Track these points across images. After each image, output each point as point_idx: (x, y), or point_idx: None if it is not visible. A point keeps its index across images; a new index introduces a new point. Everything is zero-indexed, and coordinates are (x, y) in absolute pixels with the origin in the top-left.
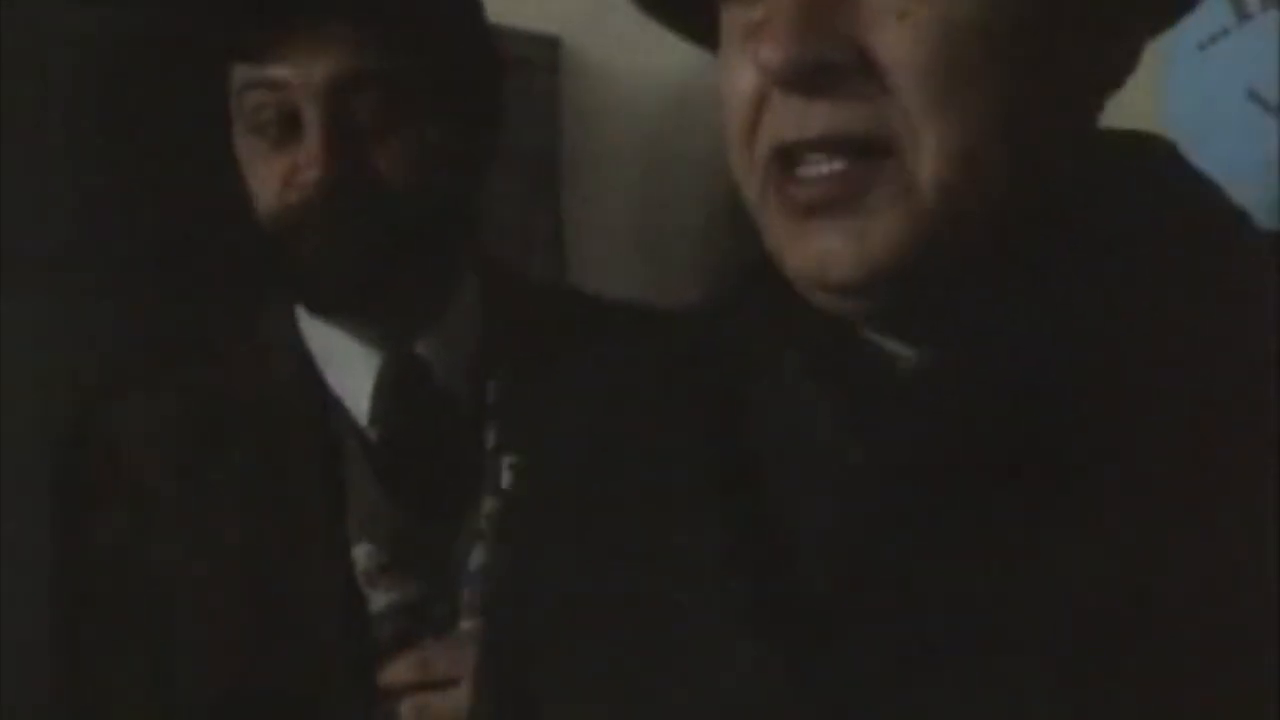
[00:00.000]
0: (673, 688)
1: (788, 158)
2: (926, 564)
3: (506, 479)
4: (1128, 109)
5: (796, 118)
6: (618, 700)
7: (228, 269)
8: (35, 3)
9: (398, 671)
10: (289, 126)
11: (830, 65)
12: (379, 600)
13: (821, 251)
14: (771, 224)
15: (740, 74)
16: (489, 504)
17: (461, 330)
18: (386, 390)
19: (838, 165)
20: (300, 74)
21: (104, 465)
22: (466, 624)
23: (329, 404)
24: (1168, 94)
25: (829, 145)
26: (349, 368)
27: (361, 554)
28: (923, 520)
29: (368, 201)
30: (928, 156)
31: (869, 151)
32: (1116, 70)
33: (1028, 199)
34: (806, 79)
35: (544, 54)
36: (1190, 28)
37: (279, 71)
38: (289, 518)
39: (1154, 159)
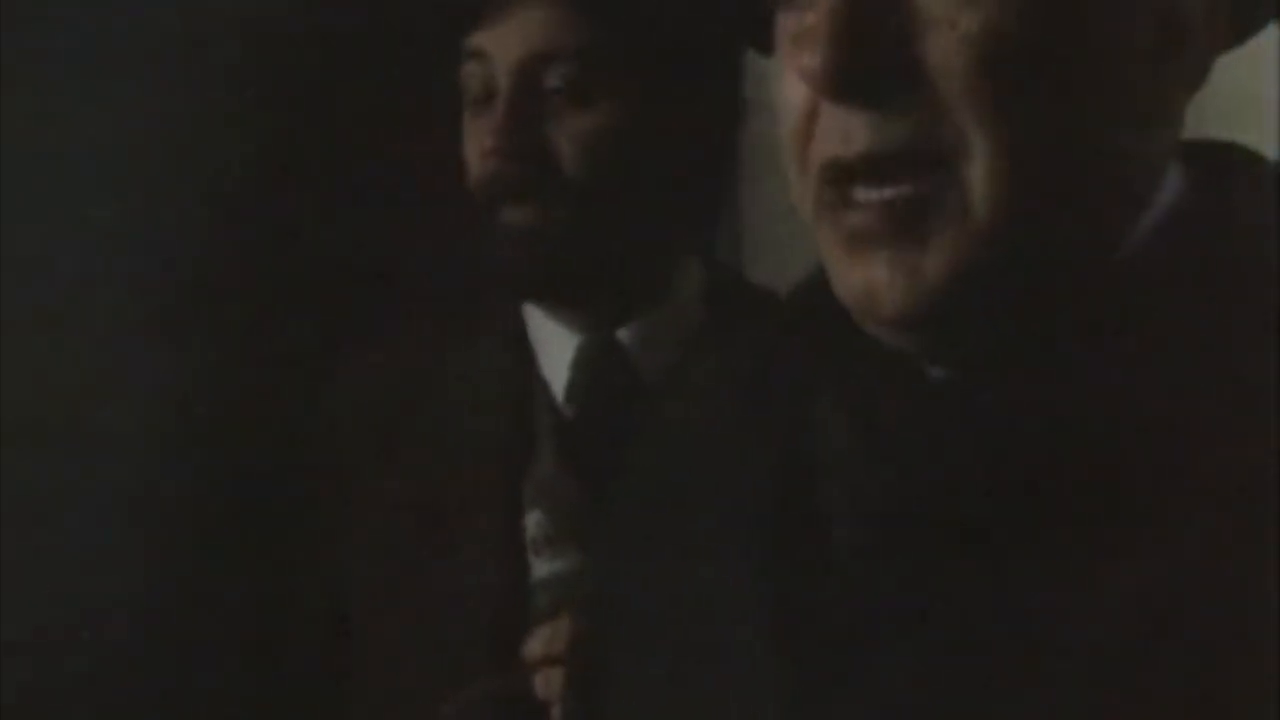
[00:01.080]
0: (705, 698)
1: (839, 179)
2: (954, 588)
3: None
4: None
5: (843, 131)
6: (662, 705)
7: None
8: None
9: (530, 645)
10: (489, 95)
11: (876, 75)
12: (541, 569)
13: (870, 282)
14: (824, 245)
15: (791, 84)
16: None
17: (674, 321)
18: (581, 372)
19: (888, 192)
20: (500, 47)
21: (319, 436)
22: None
23: (534, 382)
24: None
25: (877, 162)
26: (553, 349)
27: (531, 521)
28: (952, 547)
29: (546, 175)
30: (981, 168)
31: (919, 167)
32: (1186, 85)
33: (1093, 218)
34: (851, 90)
35: None
36: None
37: (485, 41)
38: (472, 478)
39: (1234, 174)
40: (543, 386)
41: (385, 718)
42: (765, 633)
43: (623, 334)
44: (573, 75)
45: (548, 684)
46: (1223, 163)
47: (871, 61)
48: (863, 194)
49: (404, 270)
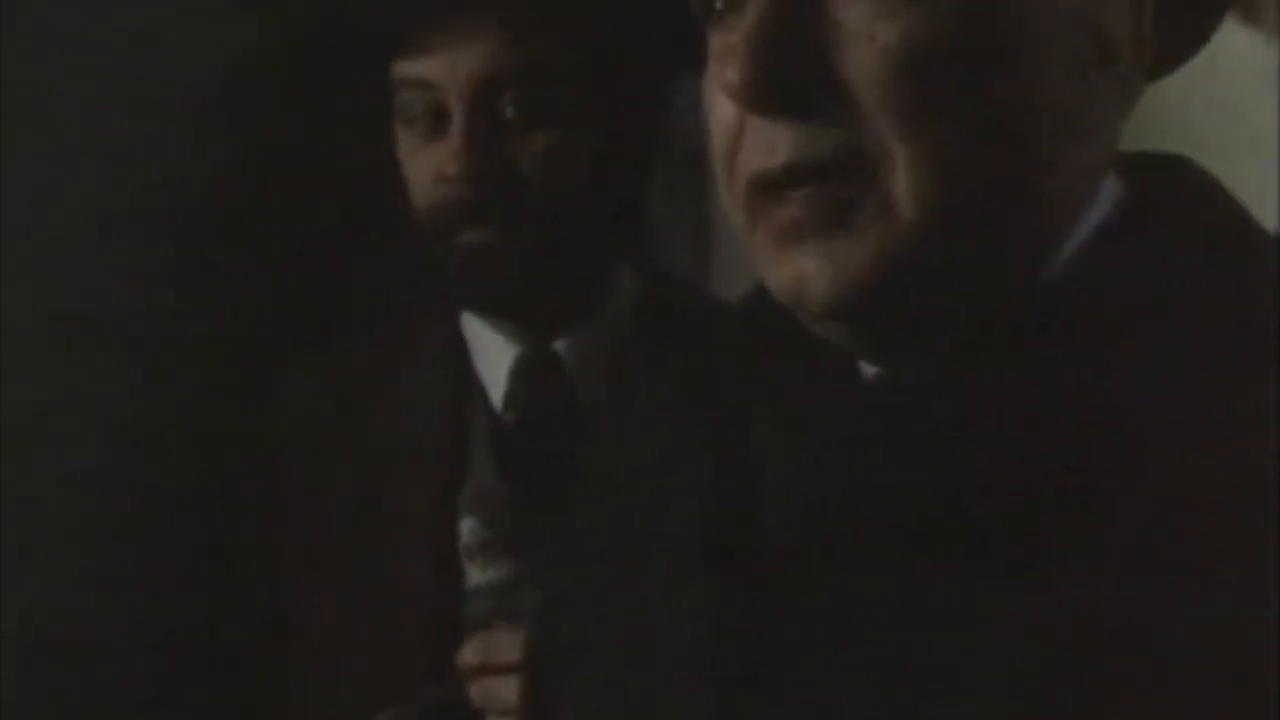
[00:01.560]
0: (643, 707)
1: (765, 187)
2: (877, 594)
3: None
4: None
5: (767, 144)
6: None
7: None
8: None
9: (464, 654)
10: (438, 121)
11: (796, 88)
12: (475, 576)
13: (799, 274)
14: (756, 248)
15: (720, 101)
16: None
17: (608, 332)
18: (519, 383)
19: (811, 190)
20: (447, 72)
21: (260, 435)
22: None
23: (470, 386)
24: None
25: (798, 173)
26: (491, 357)
27: (466, 529)
28: (878, 551)
29: (507, 198)
30: (903, 176)
31: (843, 176)
32: (1118, 101)
33: (1021, 226)
34: (771, 103)
35: None
36: None
37: (428, 69)
38: (409, 485)
39: (1175, 185)
40: (480, 395)
41: (326, 713)
42: (699, 641)
43: (559, 344)
44: (525, 97)
45: (483, 693)
46: (1162, 176)
47: (791, 75)
48: (791, 194)
49: (344, 281)
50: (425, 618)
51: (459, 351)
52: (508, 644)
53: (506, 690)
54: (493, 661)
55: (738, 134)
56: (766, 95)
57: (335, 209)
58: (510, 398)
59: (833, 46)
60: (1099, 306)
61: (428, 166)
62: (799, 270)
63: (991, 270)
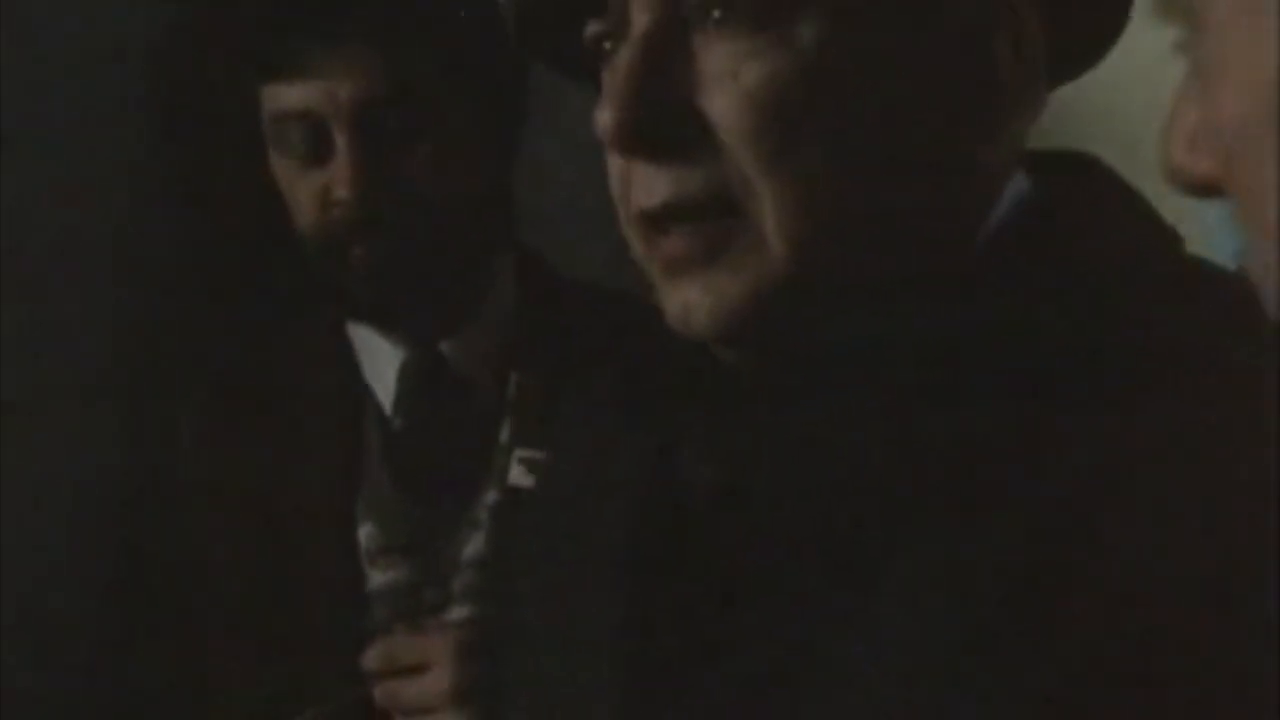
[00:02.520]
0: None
1: (650, 222)
2: (756, 605)
3: (515, 473)
4: None
5: (647, 184)
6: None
7: (276, 271)
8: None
9: (368, 658)
10: (319, 145)
11: (661, 132)
12: (375, 579)
13: (684, 303)
14: (653, 277)
15: None
16: (492, 495)
17: (490, 328)
18: (407, 385)
19: (689, 226)
20: (326, 99)
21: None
22: (457, 610)
23: (359, 390)
24: None
25: (675, 211)
26: (378, 361)
27: (364, 533)
28: (758, 561)
29: (398, 212)
30: (769, 212)
31: (716, 213)
32: (1010, 121)
33: (899, 247)
34: (638, 147)
35: None
36: None
37: (305, 98)
38: (305, 491)
39: (1083, 184)
40: (371, 400)
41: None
42: (614, 633)
43: (445, 346)
44: (404, 114)
45: (387, 694)
46: (1068, 175)
47: (658, 119)
48: (672, 229)
49: (231, 296)
50: (329, 619)
51: (348, 357)
52: (409, 647)
53: (410, 692)
54: (395, 664)
55: (627, 172)
56: (634, 139)
57: (216, 228)
58: (399, 403)
59: (699, 88)
60: (993, 311)
61: (311, 190)
62: (684, 299)
63: (871, 290)
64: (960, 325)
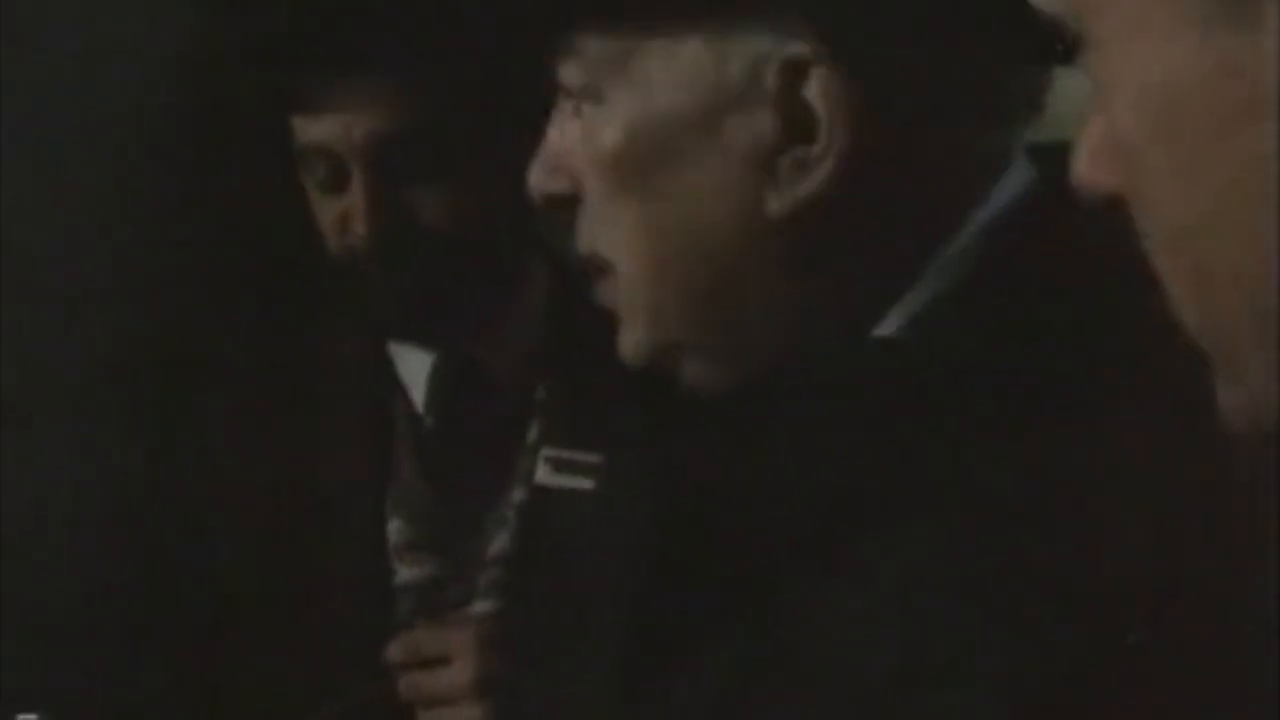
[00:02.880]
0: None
1: None
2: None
3: (542, 472)
4: None
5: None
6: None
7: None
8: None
9: (392, 650)
10: (339, 176)
11: (556, 197)
12: (403, 575)
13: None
14: None
15: None
16: (519, 494)
17: (521, 331)
18: (439, 386)
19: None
20: (343, 135)
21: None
22: (481, 605)
23: (393, 387)
24: None
25: (587, 262)
26: (409, 360)
27: (393, 529)
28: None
29: (418, 249)
30: (622, 287)
31: (604, 271)
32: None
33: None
34: (547, 206)
35: None
36: None
37: (323, 133)
38: (335, 485)
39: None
40: (403, 397)
41: (259, 711)
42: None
43: (477, 348)
44: (420, 151)
45: (411, 687)
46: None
47: (547, 184)
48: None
49: (266, 294)
50: (357, 612)
51: (381, 354)
52: (432, 640)
53: (433, 684)
54: (418, 656)
55: None
56: (540, 202)
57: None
58: (430, 403)
59: (575, 158)
60: (988, 300)
61: (332, 216)
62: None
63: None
64: (941, 322)
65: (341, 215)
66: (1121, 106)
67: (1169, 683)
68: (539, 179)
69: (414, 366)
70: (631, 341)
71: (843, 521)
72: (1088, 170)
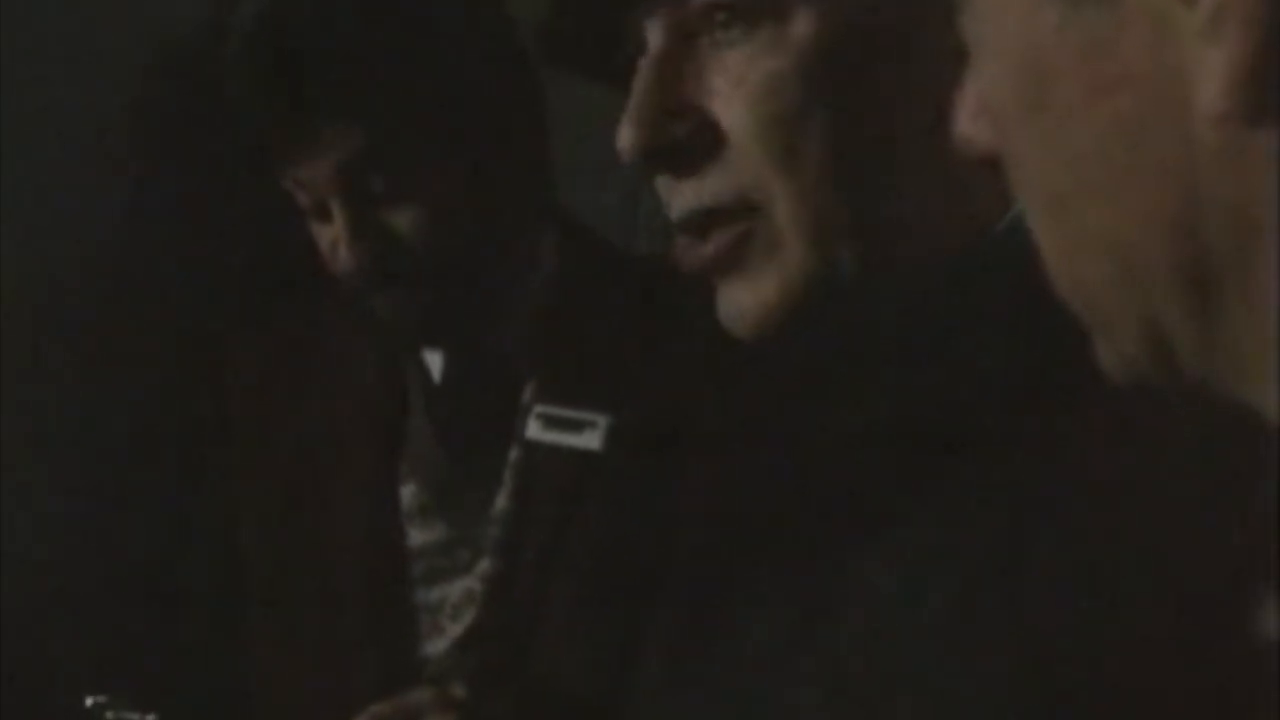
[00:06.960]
0: None
1: (684, 232)
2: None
3: (533, 429)
4: None
5: (668, 195)
6: None
7: None
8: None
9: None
10: (322, 209)
11: (671, 148)
12: (415, 538)
13: (725, 303)
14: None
15: None
16: (515, 453)
17: (531, 296)
18: (453, 354)
19: (715, 234)
20: (315, 167)
21: (210, 395)
22: (485, 564)
23: (410, 360)
24: None
25: (694, 221)
26: None
27: (407, 493)
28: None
29: (405, 268)
30: (783, 212)
31: (735, 216)
32: None
33: (925, 233)
34: (654, 163)
35: None
36: None
37: (298, 171)
38: (351, 450)
39: None
40: (418, 364)
41: (278, 674)
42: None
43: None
44: (392, 176)
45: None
46: None
47: (668, 135)
48: (709, 233)
49: (290, 266)
50: (370, 575)
51: None
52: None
53: None
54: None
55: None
56: (649, 155)
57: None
58: (446, 370)
59: (710, 98)
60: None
61: (326, 241)
62: (731, 303)
63: (887, 288)
64: (971, 314)
65: (332, 242)
66: (990, 75)
67: (1169, 684)
68: (966, 129)
69: None
70: (800, 272)
71: (880, 500)
72: (968, 128)
